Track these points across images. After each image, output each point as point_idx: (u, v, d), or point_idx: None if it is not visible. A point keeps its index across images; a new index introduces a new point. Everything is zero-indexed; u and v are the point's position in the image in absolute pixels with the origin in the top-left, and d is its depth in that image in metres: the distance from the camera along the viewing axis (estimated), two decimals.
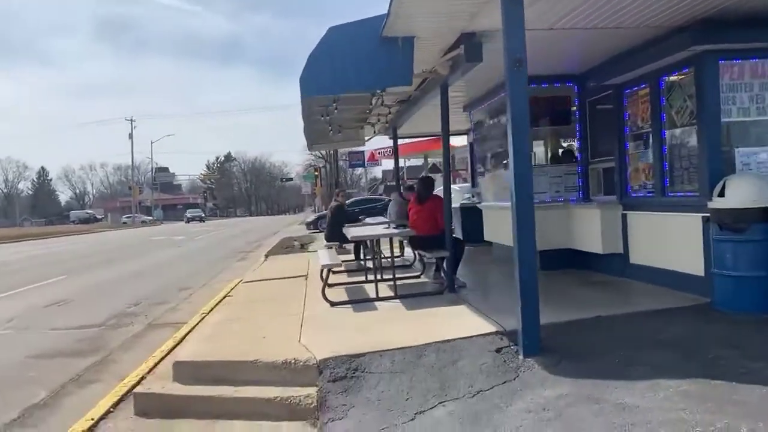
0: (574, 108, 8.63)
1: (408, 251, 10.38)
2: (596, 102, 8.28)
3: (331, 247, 9.50)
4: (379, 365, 4.84)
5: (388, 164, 60.81)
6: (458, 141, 24.38)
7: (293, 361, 4.93)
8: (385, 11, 5.44)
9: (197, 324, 7.71)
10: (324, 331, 5.85)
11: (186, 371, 5.15)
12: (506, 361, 4.71)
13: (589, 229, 7.90)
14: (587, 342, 4.98)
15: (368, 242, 9.50)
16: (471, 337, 5.22)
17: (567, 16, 5.73)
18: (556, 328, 5.32)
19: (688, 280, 6.32)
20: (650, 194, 7.11)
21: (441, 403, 4.20)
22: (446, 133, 7.54)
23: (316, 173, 49.36)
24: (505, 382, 4.38)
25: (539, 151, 9.38)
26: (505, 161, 9.53)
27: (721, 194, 5.63)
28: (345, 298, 7.50)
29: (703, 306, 5.80)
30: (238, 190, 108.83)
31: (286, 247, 19.28)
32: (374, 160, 48.18)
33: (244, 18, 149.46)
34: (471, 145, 13.56)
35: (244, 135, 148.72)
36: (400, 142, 12.66)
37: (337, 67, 5.87)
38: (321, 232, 26.14)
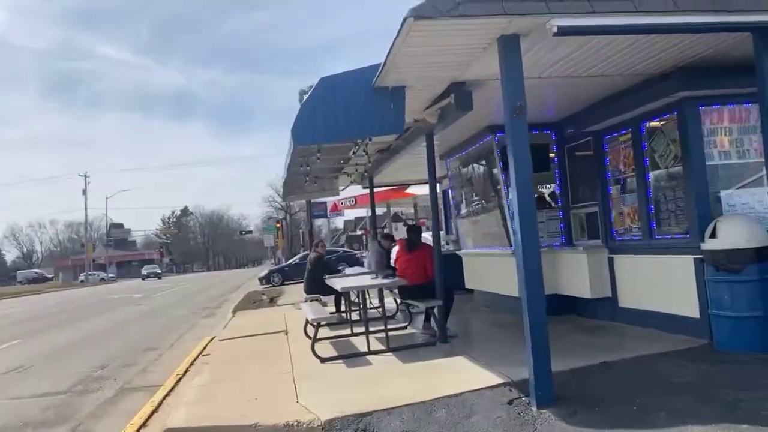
0: (553, 154, 8.77)
1: (388, 302, 10.19)
2: (575, 148, 8.45)
3: (311, 300, 9.22)
4: (389, 424, 4.59)
5: (351, 214, 61.06)
6: (420, 190, 24.57)
7: (296, 423, 4.65)
8: (364, 63, 5.60)
9: (174, 386, 7.28)
10: (322, 390, 5.57)
11: None
12: (521, 414, 4.55)
13: (576, 273, 7.91)
14: (599, 389, 4.86)
15: (353, 294, 9.31)
16: (479, 389, 5.05)
17: (555, 65, 5.85)
18: (564, 376, 5.19)
19: (682, 322, 6.33)
20: (637, 237, 7.19)
21: None
22: (433, 181, 7.53)
23: (278, 225, 48.95)
24: None
25: None
26: (484, 209, 9.58)
27: (713, 236, 5.72)
28: (333, 353, 7.22)
29: (704, 347, 5.79)
30: (195, 244, 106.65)
31: (254, 301, 18.76)
32: (336, 210, 48.17)
33: (194, 73, 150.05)
34: (444, 192, 13.66)
35: (200, 189, 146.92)
36: (365, 192, 12.70)
37: (329, 116, 5.81)
38: (274, 286, 25.46)
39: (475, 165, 9.90)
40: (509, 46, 4.73)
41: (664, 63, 6.03)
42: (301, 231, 75.03)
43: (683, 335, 6.24)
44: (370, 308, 10.37)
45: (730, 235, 5.57)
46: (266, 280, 26.49)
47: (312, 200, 17.53)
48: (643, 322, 6.99)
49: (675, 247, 6.46)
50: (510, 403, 4.76)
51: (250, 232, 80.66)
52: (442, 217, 14.27)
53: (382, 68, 5.41)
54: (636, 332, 6.83)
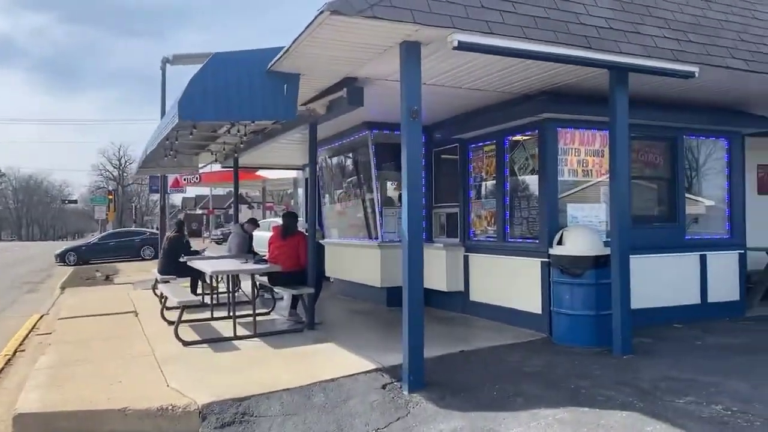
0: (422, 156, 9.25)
1: (245, 287, 10.05)
2: (442, 152, 9.02)
3: (167, 281, 8.79)
4: (269, 408, 4.65)
5: (192, 192, 58.16)
6: (271, 174, 24.23)
7: (170, 407, 4.51)
8: (269, 45, 5.46)
9: (3, 368, 6.63)
10: (192, 374, 5.42)
11: (32, 425, 4.38)
12: (394, 398, 4.85)
13: (434, 268, 8.46)
14: (462, 376, 5.33)
15: (215, 278, 9.06)
16: (354, 375, 5.27)
17: (442, 75, 6.26)
18: (430, 362, 5.57)
19: (526, 316, 7.12)
20: (492, 239, 7.91)
21: None
22: (314, 170, 7.60)
23: (110, 197, 45.09)
24: (399, 419, 4.50)
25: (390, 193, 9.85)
26: (352, 201, 9.86)
27: (560, 243, 6.52)
28: (196, 337, 7.01)
29: (545, 340, 6.60)
30: (5, 209, 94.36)
31: (86, 278, 17.27)
32: (178, 187, 45.59)
33: (20, 15, 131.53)
34: (307, 180, 13.71)
35: (17, 149, 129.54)
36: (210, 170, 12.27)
37: (221, 95, 5.64)
38: (68, 265, 23.39)
39: (346, 157, 10.13)
40: (411, 53, 4.99)
41: (533, 86, 6.73)
42: (133, 205, 69.99)
43: (527, 329, 7.03)
44: (224, 292, 10.18)
45: (575, 243, 6.39)
46: (61, 258, 24.17)
47: (165, 175, 16.50)
48: (491, 315, 7.72)
49: (525, 250, 7.23)
50: (383, 387, 5.05)
51: (75, 201, 73.42)
52: (303, 205, 14.32)
53: (283, 54, 5.38)
54: (486, 324, 7.53)
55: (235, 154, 10.53)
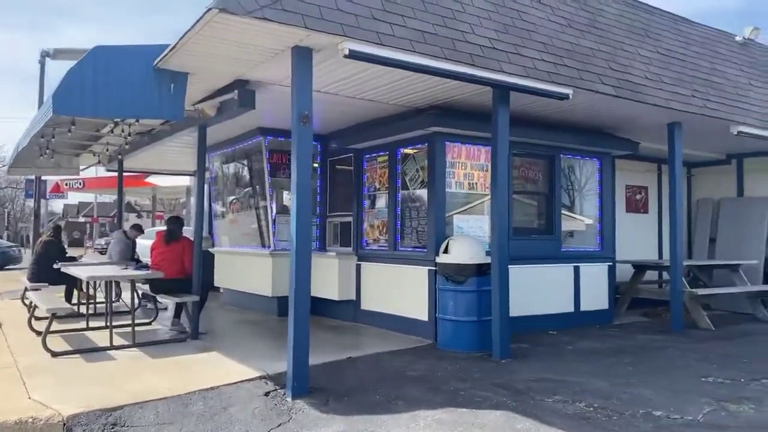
0: (316, 165, 9.28)
1: (126, 297, 9.52)
2: (337, 162, 9.08)
3: (38, 289, 8.13)
4: (142, 417, 4.41)
5: (74, 198, 54.25)
6: (162, 180, 23.18)
7: (30, 420, 4.16)
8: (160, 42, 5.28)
9: None
10: (59, 386, 5.04)
11: None
12: (277, 405, 4.78)
13: (326, 277, 8.47)
14: (347, 381, 5.35)
15: (92, 286, 8.52)
16: (236, 383, 5.14)
17: (335, 83, 6.33)
18: (316, 369, 5.56)
19: (414, 324, 7.29)
20: (383, 248, 8.04)
21: None
22: (202, 175, 7.37)
23: None
24: (280, 425, 4.43)
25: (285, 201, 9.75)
26: (245, 208, 9.66)
27: (446, 251, 6.75)
28: (68, 347, 6.53)
29: (430, 346, 6.77)
30: None
31: None
32: (59, 192, 42.46)
33: None
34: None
35: None
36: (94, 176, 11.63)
37: (101, 89, 5.34)
38: None
39: (239, 164, 9.92)
40: (303, 58, 5.01)
41: (423, 100, 6.96)
42: (6, 211, 64.11)
43: (414, 336, 7.19)
44: (102, 302, 9.58)
45: (459, 252, 6.64)
46: None
47: (42, 177, 15.31)
48: (381, 324, 7.83)
49: (414, 259, 7.42)
50: (267, 394, 4.96)
51: None
52: (192, 213, 13.79)
53: (169, 50, 5.21)
54: (376, 332, 7.62)
55: (120, 156, 9.98)
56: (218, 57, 5.38)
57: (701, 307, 8.46)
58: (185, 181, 21.02)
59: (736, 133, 8.01)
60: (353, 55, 4.95)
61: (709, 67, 8.43)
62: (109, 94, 5.39)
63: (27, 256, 28.62)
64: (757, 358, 6.41)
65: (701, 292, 8.49)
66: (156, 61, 5.51)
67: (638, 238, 10.39)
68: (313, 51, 5.06)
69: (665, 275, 9.54)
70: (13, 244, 26.07)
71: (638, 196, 10.54)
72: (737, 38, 9.58)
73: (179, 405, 4.65)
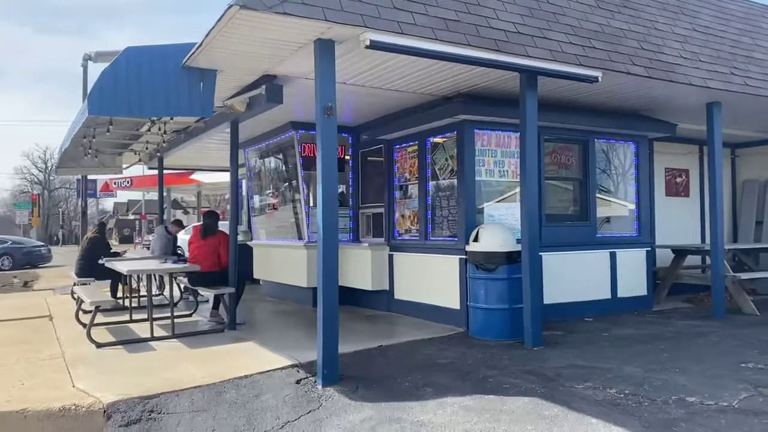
0: (348, 157, 9.36)
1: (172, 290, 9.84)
2: (368, 153, 9.13)
3: (86, 283, 8.49)
4: (177, 405, 4.58)
5: (123, 197, 56.04)
6: (205, 177, 23.74)
7: (73, 407, 4.38)
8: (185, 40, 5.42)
9: None
10: (101, 375, 5.27)
11: None
12: (307, 392, 4.88)
13: (359, 267, 8.56)
14: (377, 369, 5.42)
15: (134, 279, 8.82)
16: (268, 371, 5.27)
17: (360, 74, 6.35)
18: (346, 358, 5.67)
19: (447, 313, 7.30)
20: (415, 238, 8.07)
21: None
22: (235, 169, 7.53)
23: (33, 198, 42.97)
24: (310, 412, 4.53)
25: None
26: (280, 201, 9.82)
27: (476, 239, 6.73)
28: (112, 339, 6.82)
29: (462, 334, 6.78)
30: None
31: (2, 285, 16.48)
32: (108, 191, 43.95)
33: None
34: (240, 182, 13.55)
35: None
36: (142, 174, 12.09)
37: (134, 89, 5.53)
38: None
39: (274, 158, 10.09)
40: (325, 50, 5.06)
41: (450, 88, 6.93)
42: (60, 210, 66.76)
43: (446, 324, 7.21)
44: (171, 295, 9.92)
45: (489, 240, 6.61)
46: None
47: (88, 176, 15.91)
48: (415, 313, 7.86)
49: (445, 248, 7.41)
50: (298, 382, 5.07)
51: None
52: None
53: (196, 48, 5.34)
54: (408, 321, 7.67)
55: (158, 154, 10.28)
56: (244, 53, 5.48)
57: (746, 291, 8.18)
58: (228, 177, 21.52)
59: None
60: (375, 46, 4.98)
61: (751, 42, 8.10)
62: (141, 93, 5.56)
63: (61, 253, 29.83)
64: None
65: (744, 276, 8.20)
66: (185, 60, 5.65)
67: (679, 223, 10.09)
68: (335, 43, 5.10)
69: (708, 260, 9.25)
70: (41, 243, 27.07)
71: (678, 179, 10.23)
72: None
73: (213, 393, 4.80)
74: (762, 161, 10.63)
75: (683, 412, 4.16)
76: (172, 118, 7.21)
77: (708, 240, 9.08)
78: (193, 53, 5.48)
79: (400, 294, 8.28)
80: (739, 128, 9.54)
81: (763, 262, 9.68)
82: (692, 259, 9.45)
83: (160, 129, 8.14)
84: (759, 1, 9.13)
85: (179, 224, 10.42)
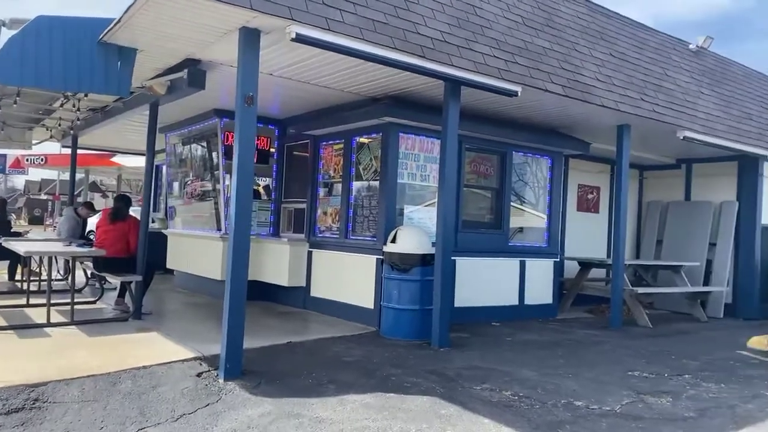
0: (274, 149, 9.25)
1: (78, 275, 9.38)
2: (295, 147, 9.06)
3: None
4: (66, 394, 4.38)
5: (36, 175, 52.83)
6: (128, 161, 22.78)
7: None
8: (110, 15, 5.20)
9: None
10: None
11: None
12: (208, 385, 4.78)
13: (277, 262, 8.47)
14: (283, 365, 5.39)
15: (35, 261, 8.36)
16: (169, 362, 5.12)
17: (288, 67, 6.31)
18: (253, 352, 5.62)
19: (361, 312, 7.35)
20: (335, 235, 8.07)
21: (141, 429, 4.04)
22: (151, 153, 7.26)
23: None
24: (208, 405, 4.45)
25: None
26: (199, 191, 9.57)
27: (393, 241, 6.82)
28: (3, 323, 6.42)
29: (373, 333, 6.85)
30: None
31: None
32: (19, 168, 41.30)
33: None
34: (158, 168, 13.09)
35: None
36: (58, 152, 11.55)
37: (44, 59, 5.24)
38: None
39: (196, 145, 9.81)
40: (249, 39, 4.99)
41: (378, 89, 7.00)
42: None
43: (359, 323, 7.26)
44: (56, 279, 9.44)
45: (406, 241, 6.71)
46: None
47: None
48: (330, 311, 7.87)
49: (364, 248, 7.47)
50: (199, 375, 4.95)
51: None
52: (152, 194, 13.61)
53: (114, 24, 5.14)
54: (323, 319, 7.66)
55: (72, 132, 9.78)
56: (167, 35, 5.32)
57: (642, 305, 8.71)
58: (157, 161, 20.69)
59: (682, 138, 8.25)
60: (301, 39, 4.95)
61: (661, 72, 8.65)
62: (51, 65, 5.29)
63: None
64: (685, 356, 6.65)
65: (641, 290, 8.74)
66: (102, 35, 5.42)
67: (588, 237, 10.63)
68: (261, 33, 5.04)
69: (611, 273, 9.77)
70: None
71: (590, 196, 10.77)
72: (691, 46, 9.84)
73: (107, 383, 4.62)
74: (666, 184, 11.36)
75: (569, 415, 4.38)
76: (86, 95, 6.88)
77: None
78: (111, 29, 5.27)
79: (316, 291, 8.26)
80: (648, 152, 10.16)
81: (661, 279, 10.34)
82: (597, 272, 9.96)
83: (74, 105, 7.75)
84: (672, 34, 9.77)
85: (90, 207, 9.94)
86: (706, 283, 10.17)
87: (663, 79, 8.55)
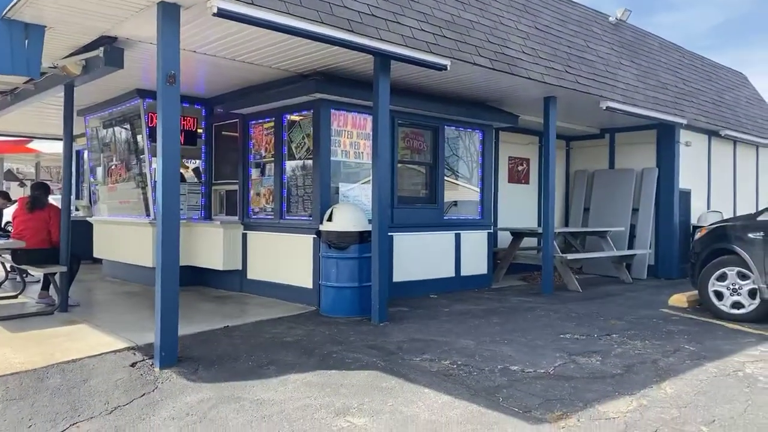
0: (201, 130, 8.96)
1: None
2: (223, 127, 8.80)
3: None
4: None
5: None
6: (46, 147, 21.59)
7: None
8: None
9: None
10: None
11: None
12: (143, 375, 4.64)
13: (211, 246, 8.27)
14: (221, 349, 5.29)
15: None
16: (101, 354, 4.95)
17: (211, 44, 6.09)
18: (189, 339, 5.51)
19: (300, 292, 7.31)
20: (270, 216, 7.95)
21: (74, 424, 3.88)
22: (69, 137, 6.87)
23: None
24: (144, 395, 4.32)
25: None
26: (125, 175, 9.18)
27: (330, 219, 6.78)
28: None
29: (313, 313, 6.82)
30: None
31: None
32: None
33: None
34: (79, 153, 12.46)
35: None
36: None
37: None
38: None
39: (118, 128, 9.37)
40: (168, 14, 4.76)
41: (307, 65, 6.87)
42: None
43: (299, 303, 7.22)
44: None
45: (342, 219, 6.69)
46: None
47: None
48: (268, 293, 7.78)
49: (300, 228, 7.40)
50: (133, 365, 4.80)
51: None
52: (74, 180, 12.95)
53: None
54: (261, 301, 7.56)
55: None
56: (78, 9, 5.00)
57: (571, 270, 9.07)
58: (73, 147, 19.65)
59: (605, 108, 8.57)
60: (222, 14, 4.78)
61: (584, 44, 8.91)
62: None
63: None
64: (613, 316, 6.99)
65: (570, 257, 9.09)
66: (5, 11, 5.04)
67: (520, 208, 10.94)
68: (181, 8, 4.82)
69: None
70: None
71: (520, 168, 11.06)
72: (610, 18, 10.18)
73: (33, 379, 4.41)
74: (591, 153, 11.80)
75: (506, 380, 4.53)
76: None
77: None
78: (14, 5, 4.91)
79: (253, 274, 8.13)
80: (573, 123, 10.50)
81: (589, 245, 10.79)
82: (529, 241, 10.29)
83: None
84: (592, 6, 10.06)
85: (5, 197, 9.37)
86: (630, 246, 10.69)
87: (585, 51, 8.82)
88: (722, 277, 7.02)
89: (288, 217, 7.70)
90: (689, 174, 10.81)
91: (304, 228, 7.31)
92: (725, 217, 10.03)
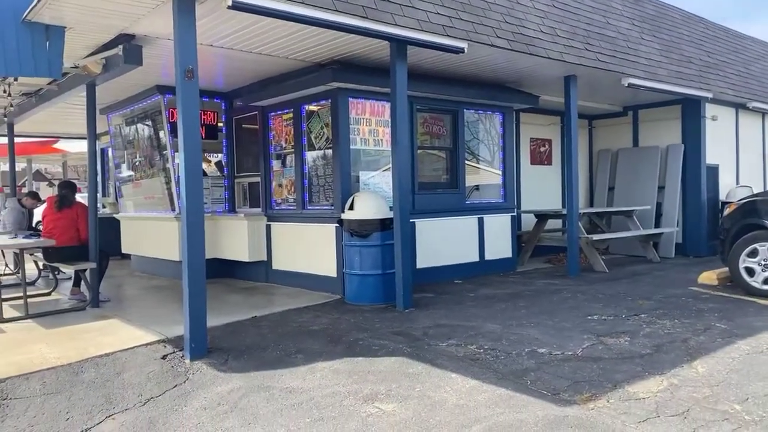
0: (221, 124, 9.02)
1: (30, 268, 9.06)
2: (243, 120, 8.85)
3: None
4: (27, 389, 4.27)
5: None
6: (72, 146, 21.95)
7: None
8: None
9: None
10: None
11: None
12: (174, 367, 4.73)
13: (236, 239, 8.37)
14: (249, 339, 5.37)
15: None
16: (133, 348, 5.05)
17: (228, 37, 6.11)
18: (218, 330, 5.59)
19: (324, 281, 7.35)
20: (292, 207, 8.00)
21: (109, 416, 3.98)
22: (93, 136, 6.98)
23: None
24: (176, 386, 4.41)
25: None
26: (149, 171, 9.30)
27: (351, 208, 6.79)
28: None
29: (338, 301, 6.87)
30: None
31: None
32: None
33: None
34: (103, 151, 12.65)
35: None
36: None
37: None
38: None
39: (140, 125, 9.49)
40: (184, 9, 4.78)
41: (323, 54, 6.85)
42: None
43: (324, 292, 7.27)
44: (5, 274, 9.15)
45: (363, 207, 6.70)
46: None
47: None
48: (293, 282, 7.84)
49: (322, 217, 7.43)
50: (164, 357, 4.90)
51: None
52: (100, 178, 13.17)
53: (38, 2, 4.85)
54: (286, 291, 7.63)
55: (6, 119, 9.32)
56: (95, 9, 5.06)
57: (597, 251, 8.97)
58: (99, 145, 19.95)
59: (627, 84, 8.40)
60: (237, 6, 4.79)
61: (603, 21, 8.73)
62: None
63: None
64: (641, 296, 6.91)
65: (595, 237, 8.99)
66: (25, 14, 5.13)
67: (543, 189, 10.83)
68: (197, 2, 4.84)
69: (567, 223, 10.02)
70: None
71: (542, 149, 10.93)
72: None
73: (69, 374, 4.52)
74: (614, 132, 11.60)
75: (533, 363, 4.51)
76: (16, 79, 6.54)
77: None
78: (34, 7, 4.98)
79: (278, 264, 8.21)
80: (594, 101, 10.32)
81: (614, 225, 10.64)
82: (554, 223, 10.19)
83: (5, 91, 7.35)
84: None
85: (35, 197, 9.57)
86: (657, 225, 10.52)
87: (605, 28, 8.64)
88: (753, 253, 6.87)
89: (310, 207, 7.73)
90: (716, 149, 10.57)
91: (326, 217, 7.34)
92: (755, 192, 9.80)
